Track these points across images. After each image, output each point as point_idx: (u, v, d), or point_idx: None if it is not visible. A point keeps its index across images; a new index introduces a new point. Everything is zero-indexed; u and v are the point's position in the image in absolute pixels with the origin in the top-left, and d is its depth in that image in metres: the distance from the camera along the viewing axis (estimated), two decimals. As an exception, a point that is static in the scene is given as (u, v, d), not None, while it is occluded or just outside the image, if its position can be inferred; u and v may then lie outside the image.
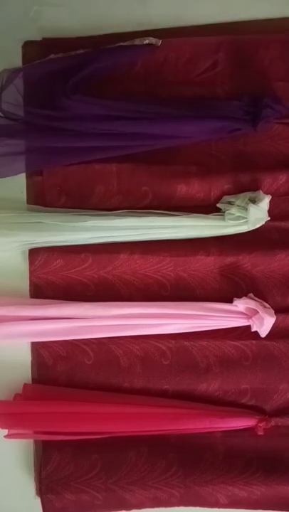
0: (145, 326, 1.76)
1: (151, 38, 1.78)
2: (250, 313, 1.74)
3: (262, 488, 1.74)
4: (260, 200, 1.73)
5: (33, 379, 1.82)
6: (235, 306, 1.75)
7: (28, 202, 1.85)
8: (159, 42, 1.80)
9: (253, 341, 1.79)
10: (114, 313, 1.75)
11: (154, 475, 1.75)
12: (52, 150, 1.79)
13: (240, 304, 1.74)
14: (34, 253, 1.81)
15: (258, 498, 1.75)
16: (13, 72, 1.81)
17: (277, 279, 1.82)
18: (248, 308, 1.74)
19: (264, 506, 1.76)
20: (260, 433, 1.75)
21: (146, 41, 1.77)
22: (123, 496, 1.75)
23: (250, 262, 1.80)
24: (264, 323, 1.72)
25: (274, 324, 1.74)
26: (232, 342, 1.80)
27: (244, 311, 1.75)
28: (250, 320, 1.74)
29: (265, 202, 1.73)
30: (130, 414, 1.75)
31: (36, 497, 1.78)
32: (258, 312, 1.72)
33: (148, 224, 1.77)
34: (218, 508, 1.77)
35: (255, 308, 1.72)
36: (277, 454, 1.78)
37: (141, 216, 1.77)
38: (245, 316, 1.75)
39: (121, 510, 1.77)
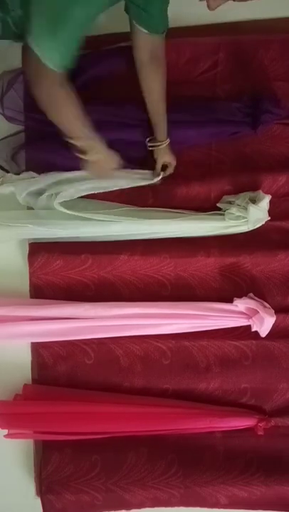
0: (145, 326, 1.77)
1: None
2: (251, 313, 1.74)
3: (262, 488, 1.74)
4: (260, 199, 1.73)
5: (33, 379, 1.83)
6: (236, 306, 1.75)
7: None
8: None
9: (253, 341, 1.79)
10: (114, 313, 1.75)
11: (154, 475, 1.75)
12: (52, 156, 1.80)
13: (241, 304, 1.74)
14: (33, 254, 1.80)
15: (258, 499, 1.75)
16: (13, 77, 1.81)
17: (277, 279, 1.82)
18: (248, 308, 1.74)
19: (264, 506, 1.76)
20: (260, 433, 1.75)
21: None
22: (123, 496, 1.74)
23: (250, 262, 1.80)
24: (264, 323, 1.72)
25: (274, 324, 1.74)
26: (232, 342, 1.80)
27: (244, 311, 1.75)
28: (250, 320, 1.74)
29: (265, 201, 1.73)
30: (130, 414, 1.75)
31: (36, 497, 1.78)
32: (258, 312, 1.72)
33: (148, 227, 1.77)
34: (219, 508, 1.77)
35: (255, 308, 1.72)
36: (277, 455, 1.78)
37: (140, 219, 1.77)
38: (245, 316, 1.75)
39: (121, 510, 1.77)
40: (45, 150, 1.80)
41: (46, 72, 1.20)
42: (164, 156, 1.77)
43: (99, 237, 1.81)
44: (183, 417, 1.75)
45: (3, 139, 1.84)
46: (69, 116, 1.37)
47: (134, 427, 1.75)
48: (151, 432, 1.76)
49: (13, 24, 1.21)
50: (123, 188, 1.80)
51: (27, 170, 1.82)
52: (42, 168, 1.80)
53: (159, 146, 1.74)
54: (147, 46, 1.49)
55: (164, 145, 1.74)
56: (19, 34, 1.23)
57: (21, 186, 1.76)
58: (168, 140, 1.74)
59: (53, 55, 1.16)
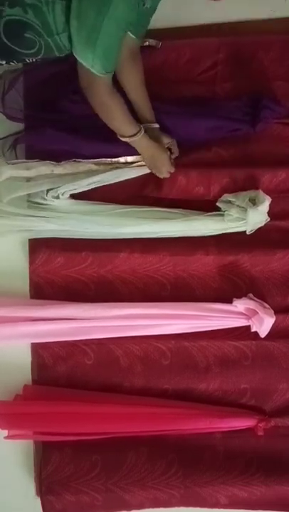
0: (145, 327, 1.77)
1: (151, 40, 1.78)
2: (250, 314, 1.74)
3: (262, 488, 1.75)
4: (261, 201, 1.72)
5: (33, 380, 1.83)
6: (235, 306, 1.75)
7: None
8: (160, 44, 1.80)
9: (253, 341, 1.79)
10: (114, 313, 1.75)
11: (153, 475, 1.76)
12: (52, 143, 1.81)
13: (240, 305, 1.74)
14: (35, 251, 1.81)
15: (258, 499, 1.75)
16: (15, 77, 1.82)
17: (276, 279, 1.82)
18: (247, 309, 1.74)
19: (264, 506, 1.76)
20: (260, 433, 1.76)
21: (147, 43, 1.77)
22: (123, 496, 1.75)
23: (249, 262, 1.80)
24: (264, 324, 1.72)
25: (274, 324, 1.74)
26: (232, 342, 1.80)
27: (244, 312, 1.75)
28: (249, 320, 1.74)
29: (265, 205, 1.72)
30: (130, 414, 1.75)
31: (36, 497, 1.78)
32: (257, 313, 1.72)
33: (148, 228, 1.77)
34: (219, 508, 1.77)
35: (254, 308, 1.72)
36: (277, 455, 1.78)
37: (140, 224, 1.77)
38: (244, 317, 1.76)
39: (121, 510, 1.77)
40: (44, 138, 1.80)
41: (96, 80, 1.44)
42: (163, 137, 1.76)
43: (99, 235, 1.81)
44: (183, 417, 1.75)
45: (4, 138, 1.84)
46: (119, 119, 1.60)
47: (134, 427, 1.76)
48: (151, 432, 1.77)
49: (56, 46, 1.39)
50: (126, 178, 1.80)
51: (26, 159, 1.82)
52: (41, 156, 1.80)
53: (151, 125, 1.73)
54: (129, 45, 1.58)
55: (156, 125, 1.74)
56: (60, 56, 1.43)
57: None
58: (157, 124, 1.75)
59: (96, 63, 1.38)
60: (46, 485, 1.75)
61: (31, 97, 1.83)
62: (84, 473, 1.76)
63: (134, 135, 1.64)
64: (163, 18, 1.75)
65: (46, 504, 1.75)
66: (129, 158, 1.79)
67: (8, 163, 1.75)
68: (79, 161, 1.78)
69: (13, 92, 1.82)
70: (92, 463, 1.76)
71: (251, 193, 1.76)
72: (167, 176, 1.78)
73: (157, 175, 1.78)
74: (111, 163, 1.79)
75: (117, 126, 1.63)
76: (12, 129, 1.83)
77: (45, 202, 1.79)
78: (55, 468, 1.76)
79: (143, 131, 1.65)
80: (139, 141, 1.66)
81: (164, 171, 1.76)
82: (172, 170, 1.77)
